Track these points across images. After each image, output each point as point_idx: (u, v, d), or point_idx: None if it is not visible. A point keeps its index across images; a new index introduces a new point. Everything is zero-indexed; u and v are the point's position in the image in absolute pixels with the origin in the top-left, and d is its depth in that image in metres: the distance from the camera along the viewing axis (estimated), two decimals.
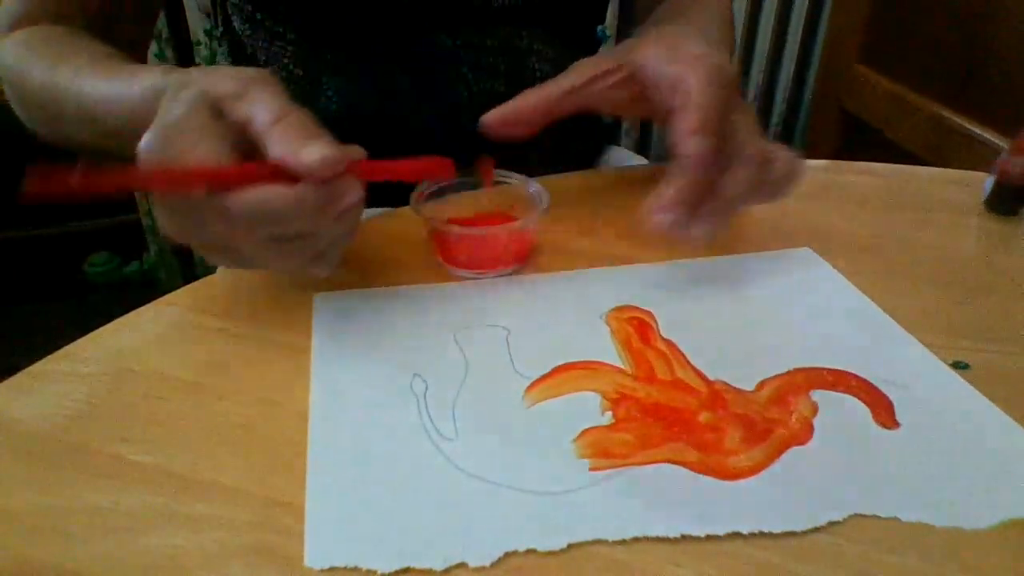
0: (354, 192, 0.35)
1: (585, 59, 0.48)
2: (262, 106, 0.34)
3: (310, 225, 0.34)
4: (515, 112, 0.45)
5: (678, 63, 0.42)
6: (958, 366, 0.38)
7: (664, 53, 0.44)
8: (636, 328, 0.41)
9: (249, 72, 0.35)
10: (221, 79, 0.34)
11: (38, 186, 0.28)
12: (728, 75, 0.42)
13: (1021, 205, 0.53)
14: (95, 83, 0.43)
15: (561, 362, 0.38)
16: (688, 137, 0.40)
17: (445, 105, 0.61)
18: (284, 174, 0.33)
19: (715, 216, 0.41)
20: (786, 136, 1.76)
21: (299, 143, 0.33)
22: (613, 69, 0.46)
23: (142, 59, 0.61)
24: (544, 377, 0.37)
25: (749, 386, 0.37)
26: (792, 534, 0.29)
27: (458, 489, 0.31)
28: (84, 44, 0.49)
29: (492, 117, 0.45)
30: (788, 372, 0.38)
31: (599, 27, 0.72)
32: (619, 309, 0.42)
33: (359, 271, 0.46)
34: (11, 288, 1.46)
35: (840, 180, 0.58)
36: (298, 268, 0.37)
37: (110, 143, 0.43)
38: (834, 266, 0.47)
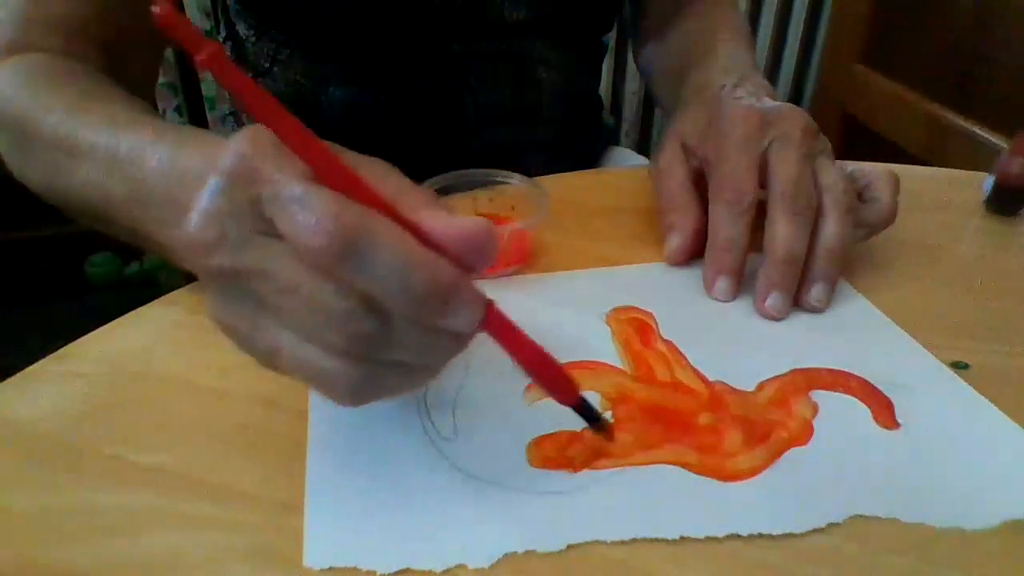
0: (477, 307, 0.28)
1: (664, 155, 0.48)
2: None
3: (418, 319, 0.26)
4: (691, 235, 0.45)
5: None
6: (958, 366, 0.38)
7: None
8: (636, 329, 0.41)
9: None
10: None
11: None
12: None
13: (1021, 205, 0.53)
14: (137, 138, 0.36)
15: (561, 362, 0.38)
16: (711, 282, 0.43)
17: (451, 115, 0.61)
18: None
19: (824, 276, 0.42)
20: None
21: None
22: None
23: (151, 90, 0.57)
24: None
25: (749, 387, 0.37)
26: (792, 535, 0.29)
27: (458, 489, 0.31)
28: (114, 91, 0.42)
29: (680, 255, 0.45)
30: (788, 373, 0.38)
31: (605, 36, 0.72)
32: (619, 310, 0.42)
33: None
34: (11, 288, 1.46)
35: None
36: (357, 379, 0.26)
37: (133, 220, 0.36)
38: None
